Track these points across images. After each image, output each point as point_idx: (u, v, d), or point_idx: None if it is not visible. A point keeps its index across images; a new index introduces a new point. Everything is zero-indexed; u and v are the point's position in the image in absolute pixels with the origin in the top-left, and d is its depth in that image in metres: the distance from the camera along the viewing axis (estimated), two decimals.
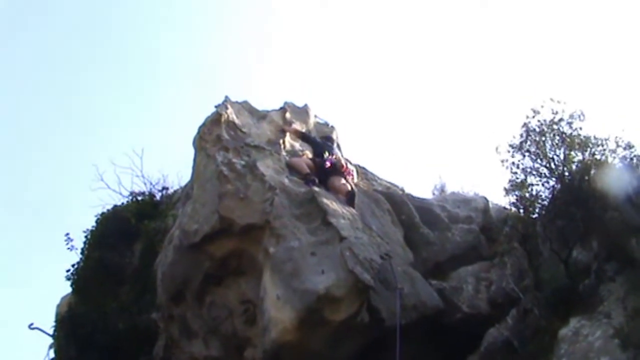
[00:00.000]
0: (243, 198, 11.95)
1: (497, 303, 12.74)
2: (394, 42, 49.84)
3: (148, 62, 50.00)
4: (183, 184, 17.38)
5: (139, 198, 16.72)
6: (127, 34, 49.70)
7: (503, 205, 15.66)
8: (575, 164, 12.53)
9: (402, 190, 16.85)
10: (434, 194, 18.32)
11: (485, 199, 15.87)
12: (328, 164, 13.15)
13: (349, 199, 12.65)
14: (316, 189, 12.20)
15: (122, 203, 16.70)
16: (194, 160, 13.47)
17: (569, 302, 10.60)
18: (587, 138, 12.55)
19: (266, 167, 12.55)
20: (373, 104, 48.13)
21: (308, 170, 12.91)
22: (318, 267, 10.82)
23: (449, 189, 18.02)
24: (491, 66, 46.66)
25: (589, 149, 12.50)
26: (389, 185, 16.72)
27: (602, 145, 12.25)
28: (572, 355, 9.35)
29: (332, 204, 11.89)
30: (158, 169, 21.04)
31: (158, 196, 16.86)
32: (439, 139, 43.63)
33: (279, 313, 10.63)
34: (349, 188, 12.96)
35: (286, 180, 12.39)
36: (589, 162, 12.23)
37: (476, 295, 12.94)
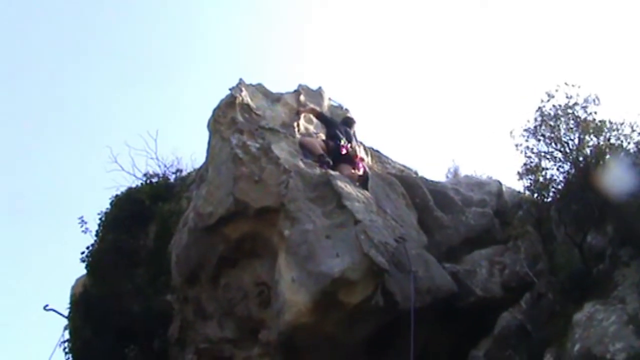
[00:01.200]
0: (258, 181, 11.99)
1: (511, 287, 12.70)
2: (407, 30, 49.59)
3: (162, 45, 49.80)
4: (197, 166, 17.40)
5: (153, 180, 16.72)
6: (143, 17, 49.44)
7: (517, 189, 15.71)
8: (590, 148, 12.48)
9: (416, 173, 16.85)
10: (447, 177, 18.28)
11: (499, 182, 15.84)
12: (344, 150, 13.12)
13: (363, 182, 12.64)
14: (331, 171, 12.19)
15: (136, 185, 16.71)
16: (209, 142, 13.49)
17: (584, 287, 10.57)
18: (602, 122, 12.47)
19: (280, 149, 12.57)
20: (387, 88, 48.21)
21: (321, 152, 12.88)
22: (333, 250, 10.85)
23: (463, 173, 17.97)
24: (506, 52, 46.28)
25: (603, 134, 12.45)
26: (402, 168, 16.72)
27: (617, 130, 12.17)
28: (586, 340, 9.32)
29: (346, 187, 11.88)
30: (172, 152, 20.80)
31: (172, 178, 16.85)
32: (453, 123, 43.46)
33: (294, 296, 10.69)
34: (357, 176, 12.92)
35: (301, 163, 12.41)
36: (603, 146, 12.17)
37: (490, 279, 12.92)
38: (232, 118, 13.05)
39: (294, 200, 11.61)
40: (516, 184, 15.64)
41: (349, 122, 14.66)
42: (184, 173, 17.02)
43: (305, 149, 13.01)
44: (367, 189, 12.53)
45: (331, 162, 12.66)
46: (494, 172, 17.64)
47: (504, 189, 15.66)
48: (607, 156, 11.89)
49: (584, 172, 12.04)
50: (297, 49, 50.62)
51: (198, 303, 12.75)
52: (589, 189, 11.65)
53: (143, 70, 49.39)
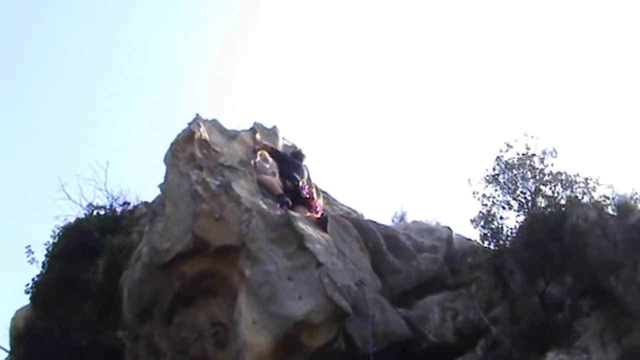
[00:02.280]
0: (219, 219, 11.81)
1: (464, 333, 12.82)
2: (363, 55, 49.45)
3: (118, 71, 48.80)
4: (143, 199, 17.15)
5: (100, 212, 16.34)
6: (100, 42, 48.34)
7: (466, 236, 15.92)
8: (546, 199, 12.77)
9: (362, 216, 16.89)
10: (393, 221, 18.38)
11: (449, 229, 16.00)
12: (304, 192, 13.08)
13: (322, 224, 12.56)
14: (292, 212, 12.11)
15: (84, 215, 16.28)
16: (165, 177, 13.24)
17: (544, 336, 10.71)
18: (559, 174, 12.82)
19: (241, 188, 12.43)
20: (336, 127, 47.60)
21: (280, 191, 12.79)
22: (295, 292, 10.76)
23: (410, 218, 18.07)
24: (468, 92, 46.20)
25: (558, 185, 12.77)
26: (349, 210, 16.73)
27: (576, 183, 12.51)
28: None
29: (307, 229, 11.80)
30: (118, 184, 20.27)
31: (119, 211, 16.50)
32: (401, 166, 43.25)
33: (255, 337, 10.54)
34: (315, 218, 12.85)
35: (261, 202, 12.29)
36: (558, 197, 12.48)
37: (442, 325, 13.02)
38: (191, 153, 12.84)
39: (255, 240, 11.47)
40: (467, 231, 16.01)
41: (299, 155, 14.60)
42: (131, 206, 16.66)
43: (264, 188, 12.90)
44: (326, 231, 12.45)
45: (290, 203, 12.57)
46: (442, 219, 17.67)
47: (453, 235, 15.82)
48: (563, 208, 12.20)
49: (543, 222, 12.31)
50: (250, 86, 49.75)
51: (150, 340, 12.44)
52: (548, 240, 11.90)
53: (97, 99, 47.89)
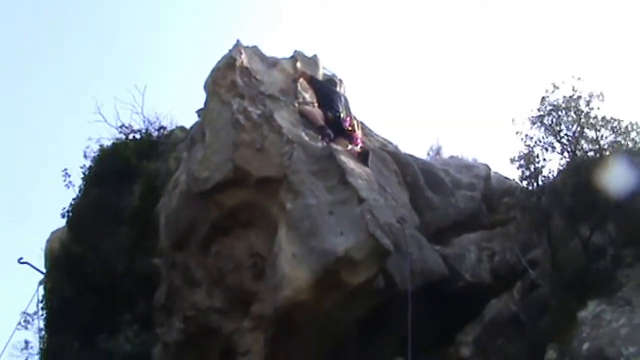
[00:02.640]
0: (260, 149, 11.68)
1: (501, 275, 12.70)
2: (406, 27, 48.62)
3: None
4: (177, 124, 16.99)
5: (137, 136, 16.20)
6: None
7: (504, 175, 15.70)
8: (591, 143, 12.48)
9: (397, 148, 16.64)
10: (429, 154, 18.14)
11: (488, 167, 15.73)
12: (347, 124, 12.84)
13: (363, 157, 12.36)
14: (334, 145, 11.91)
15: (118, 139, 16.17)
16: (205, 104, 13.08)
17: (584, 284, 10.54)
18: (604, 119, 12.49)
19: (282, 118, 12.24)
20: (379, 63, 46.83)
21: (323, 123, 12.56)
22: (336, 227, 10.60)
23: (445, 153, 17.82)
24: (507, 51, 45.49)
25: (604, 130, 12.46)
26: (384, 142, 16.47)
27: (622, 129, 12.19)
28: (596, 340, 9.32)
29: (349, 163, 11.62)
30: (154, 108, 19.98)
31: (155, 135, 16.34)
32: (441, 104, 42.69)
33: (294, 271, 10.46)
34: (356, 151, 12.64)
35: (303, 134, 12.10)
36: (604, 143, 12.20)
37: (479, 265, 12.90)
38: (232, 81, 12.64)
39: (297, 173, 11.31)
40: (504, 171, 15.78)
41: (333, 82, 14.37)
42: (167, 131, 16.49)
43: (305, 118, 12.68)
44: (367, 165, 12.26)
45: (332, 135, 12.35)
46: (479, 156, 17.40)
47: (491, 174, 15.58)
48: (608, 153, 11.91)
49: (585, 166, 12.05)
50: (289, 14, 49.06)
51: (186, 269, 12.42)
52: (587, 185, 11.66)
53: (133, 25, 47.65)
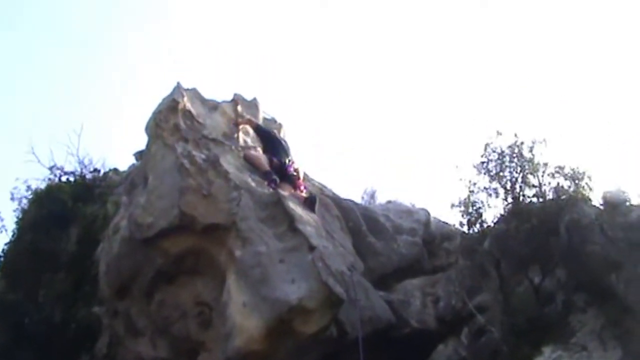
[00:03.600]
0: (207, 195, 11.40)
1: (445, 320, 12.73)
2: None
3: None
4: (108, 167, 16.57)
5: (70, 178, 15.71)
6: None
7: (442, 220, 15.80)
8: (534, 188, 12.69)
9: (332, 193, 16.57)
10: (362, 198, 18.19)
11: (427, 211, 15.82)
12: (291, 169, 12.73)
13: (309, 203, 12.22)
14: (281, 191, 11.75)
15: (50, 179, 15.68)
16: (147, 147, 12.74)
17: (537, 329, 10.62)
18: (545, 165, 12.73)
19: (228, 163, 12.02)
20: (310, 97, 47.14)
21: (268, 168, 12.41)
22: (287, 275, 10.43)
23: (380, 197, 17.88)
24: (461, 86, 46.04)
25: (549, 176, 12.69)
26: (320, 186, 16.39)
27: (565, 175, 12.43)
28: None
29: (297, 209, 11.47)
30: (85, 149, 19.32)
31: (88, 178, 15.85)
32: (374, 143, 42.85)
33: (245, 320, 10.22)
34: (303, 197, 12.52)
35: (249, 179, 11.89)
36: (551, 190, 12.41)
37: (424, 310, 12.92)
38: (175, 124, 12.34)
39: (245, 219, 11.10)
40: (443, 216, 15.89)
41: (273, 127, 14.31)
42: (101, 174, 16.04)
43: (250, 164, 12.50)
44: (313, 211, 12.13)
45: (278, 180, 12.20)
46: (414, 200, 17.52)
47: (431, 218, 15.66)
48: (559, 199, 12.11)
49: (528, 211, 12.23)
50: (229, 57, 48.86)
51: (128, 318, 12.00)
52: (533, 229, 11.82)
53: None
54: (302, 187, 12.80)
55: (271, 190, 11.76)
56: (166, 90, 13.20)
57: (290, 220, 11.11)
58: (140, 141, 13.21)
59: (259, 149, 13.41)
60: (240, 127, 13.58)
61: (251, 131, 13.86)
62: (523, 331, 10.70)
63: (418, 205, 16.67)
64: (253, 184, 11.79)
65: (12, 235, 14.38)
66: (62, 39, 47.72)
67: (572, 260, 11.16)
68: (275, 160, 12.74)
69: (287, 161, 12.88)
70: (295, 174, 12.80)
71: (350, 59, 49.75)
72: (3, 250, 14.31)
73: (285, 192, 11.95)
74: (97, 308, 12.68)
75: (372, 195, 18.32)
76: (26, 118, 40.39)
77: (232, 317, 10.37)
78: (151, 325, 11.78)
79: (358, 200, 17.33)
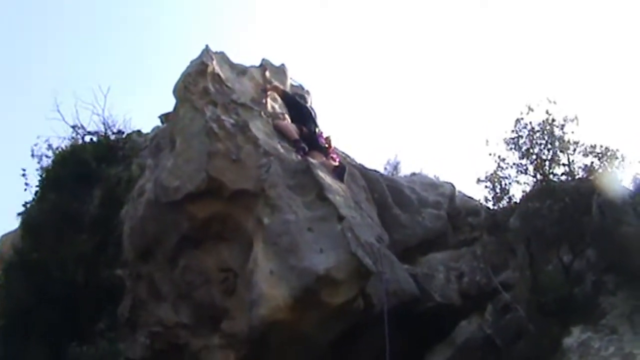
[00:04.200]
0: (235, 160, 11.25)
1: (470, 295, 12.57)
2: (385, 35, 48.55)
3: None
4: (133, 128, 16.38)
5: (94, 138, 15.55)
6: None
7: (467, 195, 15.62)
8: (564, 166, 12.48)
9: (358, 163, 16.40)
10: (385, 169, 18.00)
11: (452, 185, 15.64)
12: (322, 140, 12.56)
13: (339, 172, 12.07)
14: (310, 159, 11.59)
15: (71, 139, 15.55)
16: (175, 110, 12.55)
17: (566, 309, 10.45)
18: (578, 142, 12.50)
19: (257, 129, 11.86)
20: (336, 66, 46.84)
21: (297, 137, 12.27)
22: (315, 244, 10.30)
23: (403, 169, 17.69)
24: (487, 65, 45.58)
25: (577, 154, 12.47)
26: (343, 155, 16.22)
27: (598, 153, 12.19)
28: None
29: (326, 178, 11.32)
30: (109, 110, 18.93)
31: (113, 138, 15.65)
32: (400, 113, 42.54)
33: (272, 289, 10.09)
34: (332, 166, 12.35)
35: (279, 146, 11.73)
36: (581, 168, 12.19)
37: (447, 285, 12.74)
38: (204, 88, 12.14)
39: (274, 187, 10.95)
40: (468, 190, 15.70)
41: (301, 95, 14.15)
42: (124, 135, 15.84)
43: (279, 132, 12.33)
44: (342, 181, 11.97)
45: (307, 148, 12.05)
46: (439, 173, 17.35)
47: (456, 192, 15.48)
48: (589, 178, 11.90)
49: (558, 189, 12.02)
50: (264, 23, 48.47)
51: (151, 282, 11.91)
52: (564, 208, 11.62)
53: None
54: (333, 156, 12.66)
55: (300, 157, 11.62)
56: (192, 54, 13.06)
57: (319, 189, 10.98)
58: (163, 105, 13.04)
59: (287, 117, 13.23)
60: (268, 93, 13.40)
61: (279, 98, 13.68)
62: (551, 311, 10.50)
63: (442, 178, 16.49)
64: (282, 151, 11.64)
65: (35, 194, 14.25)
66: None
67: (603, 241, 10.93)
68: (304, 129, 12.60)
69: (316, 130, 12.72)
70: (326, 143, 12.63)
71: (377, 32, 49.23)
72: (26, 208, 14.22)
73: (315, 160, 11.83)
74: (119, 271, 12.55)
75: (396, 167, 18.10)
76: (52, 74, 40.16)
77: (258, 285, 10.23)
78: (174, 290, 11.67)
79: (381, 170, 17.03)
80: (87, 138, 15.73)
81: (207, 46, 13.07)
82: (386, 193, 14.06)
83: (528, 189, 12.83)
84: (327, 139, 12.89)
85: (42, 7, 46.35)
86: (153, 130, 15.28)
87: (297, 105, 13.40)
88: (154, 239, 11.84)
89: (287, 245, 10.35)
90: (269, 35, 46.16)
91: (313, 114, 13.40)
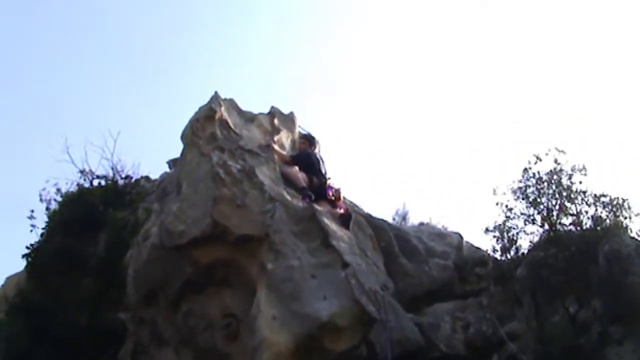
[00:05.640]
0: (241, 206, 11.22)
1: (475, 346, 12.48)
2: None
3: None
4: (140, 174, 16.48)
5: (101, 182, 15.64)
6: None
7: (475, 245, 15.56)
8: (571, 217, 12.45)
9: (365, 212, 16.38)
10: (394, 219, 17.94)
11: (460, 235, 15.63)
12: (331, 192, 12.56)
13: (345, 220, 12.07)
14: (316, 206, 11.58)
15: (80, 183, 15.63)
16: (182, 155, 12.63)
17: (570, 359, 10.35)
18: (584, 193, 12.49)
19: (263, 175, 11.85)
20: (354, 118, 47.08)
21: (304, 184, 12.28)
22: (319, 291, 10.22)
23: (411, 218, 17.66)
24: (496, 116, 45.51)
25: (585, 204, 12.46)
26: (351, 205, 16.21)
27: (605, 204, 12.18)
28: None
29: (331, 225, 11.30)
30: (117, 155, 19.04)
31: (121, 183, 15.76)
32: (407, 163, 42.46)
33: (274, 335, 9.98)
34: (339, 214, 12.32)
35: (284, 192, 11.74)
36: (589, 218, 12.17)
37: (453, 335, 12.70)
38: (212, 133, 12.22)
39: (278, 232, 10.91)
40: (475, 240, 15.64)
41: (313, 141, 14.09)
42: (132, 180, 15.93)
43: (287, 179, 12.34)
44: (348, 228, 11.95)
45: (313, 197, 12.04)
46: (446, 223, 17.27)
47: (463, 243, 15.44)
48: (597, 228, 11.86)
49: (568, 240, 11.98)
50: (263, 67, 49.01)
51: (154, 326, 11.85)
52: (570, 258, 11.57)
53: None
54: (341, 206, 12.64)
55: (306, 204, 11.62)
56: (202, 101, 13.16)
57: (324, 236, 10.94)
58: (172, 151, 13.11)
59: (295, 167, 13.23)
60: (276, 139, 13.44)
61: (287, 145, 13.74)
62: None
63: (450, 228, 16.47)
64: (288, 197, 11.62)
65: (41, 236, 14.31)
66: (102, 40, 47.51)
67: (610, 291, 10.90)
68: (315, 179, 12.61)
69: (326, 181, 12.74)
70: (334, 197, 12.62)
71: (383, 74, 49.39)
72: (32, 250, 14.23)
73: (322, 207, 11.82)
74: (122, 314, 12.52)
75: (404, 217, 18.04)
76: (62, 118, 40.78)
77: (260, 331, 10.13)
78: (177, 335, 11.61)
79: (389, 220, 16.99)
80: (96, 182, 15.80)
81: (216, 92, 13.15)
82: (393, 242, 14.07)
83: (536, 239, 12.82)
84: (337, 191, 12.86)
85: (54, 50, 47.00)
86: (161, 176, 15.36)
87: (306, 159, 13.31)
88: (158, 283, 11.79)
89: (290, 291, 10.28)
90: (277, 82, 46.27)
91: (322, 162, 13.39)
